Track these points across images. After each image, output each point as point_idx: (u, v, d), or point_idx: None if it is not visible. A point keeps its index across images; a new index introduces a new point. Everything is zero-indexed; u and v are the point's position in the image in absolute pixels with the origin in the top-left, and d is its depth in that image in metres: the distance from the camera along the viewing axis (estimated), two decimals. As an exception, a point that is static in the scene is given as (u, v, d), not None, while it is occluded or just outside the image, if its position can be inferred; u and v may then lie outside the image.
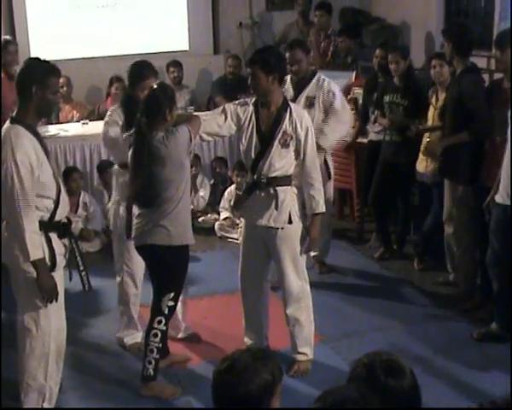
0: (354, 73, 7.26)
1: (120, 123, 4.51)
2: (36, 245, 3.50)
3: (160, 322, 4.11)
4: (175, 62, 8.14)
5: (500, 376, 4.29)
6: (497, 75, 5.56)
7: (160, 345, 4.15)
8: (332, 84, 5.45)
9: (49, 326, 3.69)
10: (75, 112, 7.76)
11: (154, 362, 4.13)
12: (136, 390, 4.22)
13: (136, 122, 3.99)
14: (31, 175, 3.46)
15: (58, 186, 3.66)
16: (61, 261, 3.72)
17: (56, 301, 3.65)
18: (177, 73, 8.10)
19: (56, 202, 3.63)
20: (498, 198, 4.59)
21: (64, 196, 3.71)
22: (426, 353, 4.66)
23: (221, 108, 4.38)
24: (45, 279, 3.57)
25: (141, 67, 4.59)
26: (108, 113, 4.75)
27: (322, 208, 4.31)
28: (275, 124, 4.22)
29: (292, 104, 4.39)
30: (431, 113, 5.64)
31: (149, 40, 8.76)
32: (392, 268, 6.10)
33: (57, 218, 3.66)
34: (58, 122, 7.49)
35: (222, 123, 4.27)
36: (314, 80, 5.41)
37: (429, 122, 5.65)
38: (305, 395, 3.94)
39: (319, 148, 4.87)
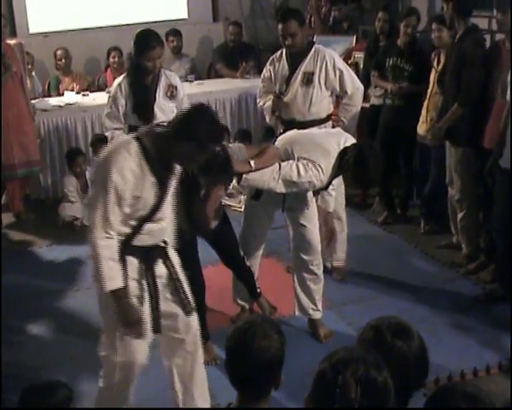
0: (355, 38, 7.22)
1: (123, 100, 4.62)
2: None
3: None
4: (174, 31, 8.07)
5: (505, 337, 4.31)
6: (499, 36, 5.52)
7: None
8: (336, 59, 4.98)
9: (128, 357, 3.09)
10: (75, 84, 7.71)
11: None
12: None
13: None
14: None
15: None
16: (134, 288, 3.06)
17: (143, 337, 3.04)
18: (177, 42, 8.04)
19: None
20: (503, 163, 4.57)
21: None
22: (431, 315, 4.69)
23: None
24: (125, 313, 2.95)
25: (147, 37, 4.58)
26: (114, 89, 4.72)
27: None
28: None
29: None
30: (432, 76, 5.61)
31: (147, 9, 8.71)
32: (395, 232, 6.12)
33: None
34: (58, 94, 7.47)
35: None
36: (311, 53, 4.93)
37: (431, 85, 5.62)
38: (309, 359, 3.95)
39: None
